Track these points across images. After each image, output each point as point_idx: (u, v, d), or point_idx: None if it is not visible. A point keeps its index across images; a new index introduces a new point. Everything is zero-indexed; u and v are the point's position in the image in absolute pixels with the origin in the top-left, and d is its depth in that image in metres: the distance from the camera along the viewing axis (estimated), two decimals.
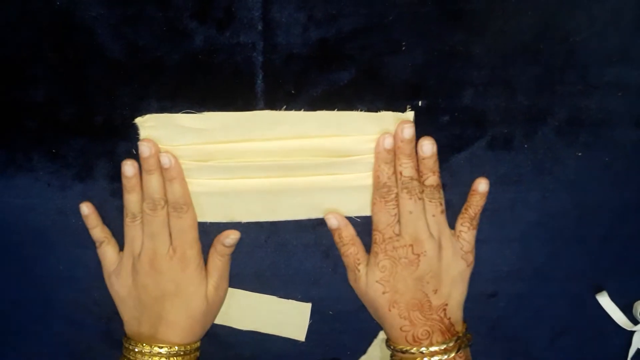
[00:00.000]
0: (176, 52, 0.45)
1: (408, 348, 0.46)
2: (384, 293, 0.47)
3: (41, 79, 0.46)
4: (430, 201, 0.47)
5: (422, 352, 0.45)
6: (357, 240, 0.49)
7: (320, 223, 0.50)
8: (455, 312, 0.48)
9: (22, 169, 0.48)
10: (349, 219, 0.49)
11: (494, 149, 0.49)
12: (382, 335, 0.53)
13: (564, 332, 0.54)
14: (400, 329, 0.46)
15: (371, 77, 0.46)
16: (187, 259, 0.48)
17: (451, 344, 0.45)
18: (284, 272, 0.52)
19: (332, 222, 0.49)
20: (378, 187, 0.47)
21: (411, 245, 0.46)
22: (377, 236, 0.47)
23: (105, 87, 0.46)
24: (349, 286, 0.50)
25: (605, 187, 0.50)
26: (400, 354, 0.47)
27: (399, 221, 0.47)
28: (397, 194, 0.46)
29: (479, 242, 0.50)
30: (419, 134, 0.47)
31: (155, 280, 0.47)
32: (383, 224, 0.47)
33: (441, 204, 0.47)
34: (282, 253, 0.51)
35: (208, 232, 0.50)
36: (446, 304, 0.47)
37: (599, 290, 0.53)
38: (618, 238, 0.51)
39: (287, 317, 0.53)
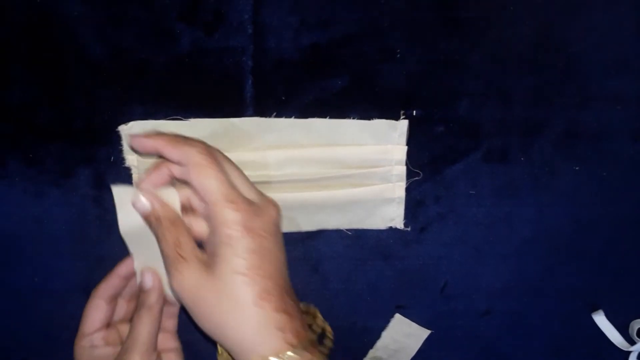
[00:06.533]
0: (161, 54, 0.44)
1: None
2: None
3: (17, 80, 0.45)
4: None
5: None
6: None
7: (309, 236, 0.49)
8: None
9: None
10: (340, 232, 0.48)
11: (489, 161, 0.48)
12: (372, 353, 0.52)
13: (558, 352, 0.53)
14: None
15: (364, 85, 0.45)
16: None
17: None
18: None
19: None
20: None
21: None
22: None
23: (86, 89, 0.45)
24: (339, 302, 0.48)
25: (603, 202, 0.49)
26: None
27: None
28: None
29: (472, 257, 0.48)
30: (413, 144, 0.46)
31: None
32: None
33: None
34: None
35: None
36: None
37: (595, 309, 0.52)
38: (615, 255, 0.51)
39: None
